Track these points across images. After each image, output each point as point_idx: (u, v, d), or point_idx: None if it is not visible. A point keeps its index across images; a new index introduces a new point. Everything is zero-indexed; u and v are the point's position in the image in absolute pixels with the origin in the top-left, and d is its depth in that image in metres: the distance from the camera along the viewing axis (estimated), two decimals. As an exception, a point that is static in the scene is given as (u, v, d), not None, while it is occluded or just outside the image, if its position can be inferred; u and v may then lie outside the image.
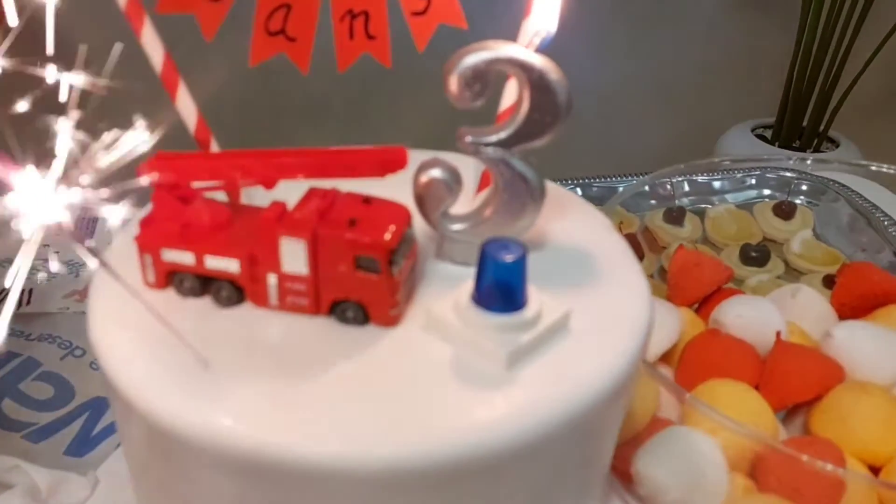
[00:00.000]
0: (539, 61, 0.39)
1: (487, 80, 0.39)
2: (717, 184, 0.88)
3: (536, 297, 0.38)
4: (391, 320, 0.38)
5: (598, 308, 0.41)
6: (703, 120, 1.37)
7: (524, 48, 0.39)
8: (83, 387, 0.64)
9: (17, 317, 0.69)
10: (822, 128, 1.45)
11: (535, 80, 0.39)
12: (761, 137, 1.44)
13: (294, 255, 0.37)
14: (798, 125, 1.41)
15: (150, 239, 0.39)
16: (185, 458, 0.35)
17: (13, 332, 0.68)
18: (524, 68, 0.39)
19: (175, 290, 0.40)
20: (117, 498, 0.53)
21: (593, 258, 0.44)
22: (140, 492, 0.44)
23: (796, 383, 0.55)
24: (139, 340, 0.37)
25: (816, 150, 1.42)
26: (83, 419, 0.62)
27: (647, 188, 0.83)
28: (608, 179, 0.88)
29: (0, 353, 0.64)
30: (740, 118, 1.39)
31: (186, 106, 0.42)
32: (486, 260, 0.37)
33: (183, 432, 0.34)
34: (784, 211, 0.85)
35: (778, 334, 0.58)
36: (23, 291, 0.70)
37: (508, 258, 0.36)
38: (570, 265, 0.44)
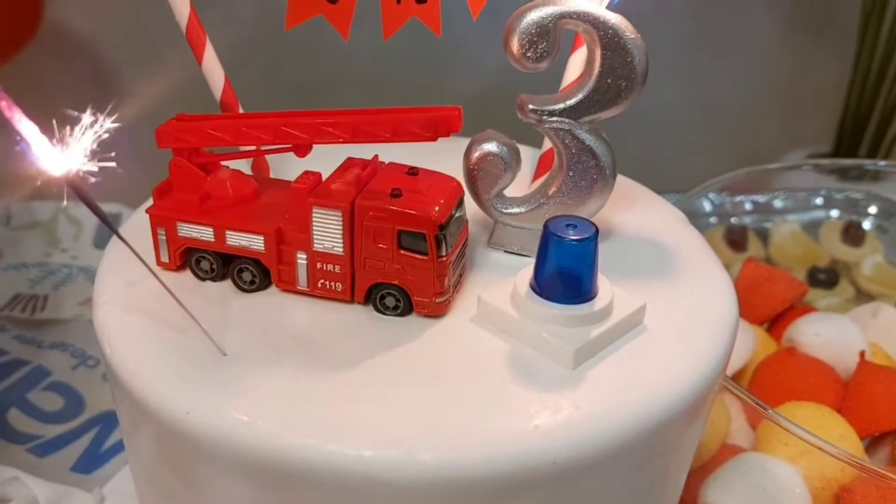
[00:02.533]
0: (613, 18, 0.34)
1: (553, 39, 0.34)
2: (780, 203, 0.82)
3: (607, 286, 0.33)
4: (437, 309, 0.33)
5: (677, 305, 0.35)
6: (754, 148, 1.31)
7: (596, 4, 0.34)
8: (94, 399, 0.59)
9: (29, 323, 0.65)
10: (879, 158, 1.39)
11: (607, 40, 0.34)
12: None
13: (328, 231, 0.32)
14: (854, 155, 1.35)
15: (165, 211, 0.34)
16: (196, 461, 0.30)
17: (23, 339, 0.63)
18: (596, 25, 0.34)
19: (192, 272, 0.35)
20: (124, 516, 0.48)
21: (669, 251, 0.39)
22: (147, 506, 0.39)
23: (884, 409, 0.49)
24: (149, 326, 0.33)
25: (874, 181, 1.36)
26: (93, 433, 0.57)
27: (707, 207, 0.77)
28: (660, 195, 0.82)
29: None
30: (793, 147, 1.33)
31: (213, 68, 0.37)
32: (550, 240, 0.31)
33: (194, 430, 0.29)
34: (852, 236, 0.79)
35: (862, 354, 0.52)
36: (37, 297, 0.66)
37: (576, 238, 0.31)
38: (644, 258, 0.38)
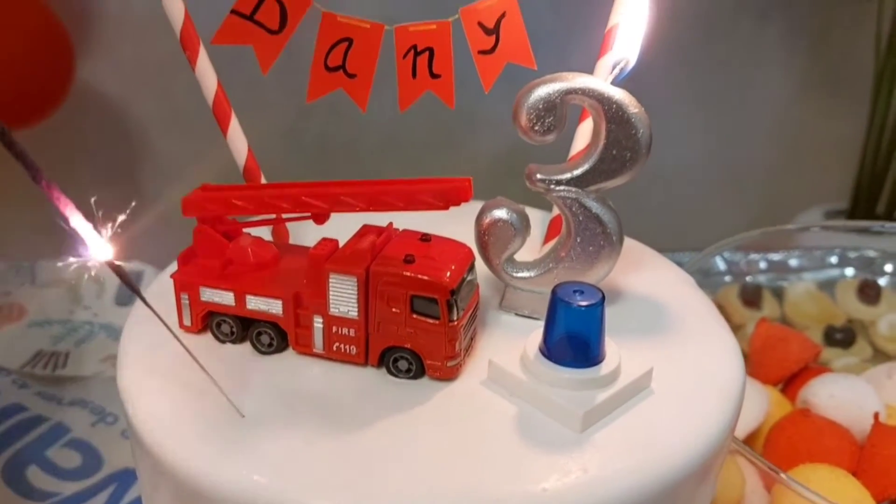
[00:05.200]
0: (618, 93, 0.35)
1: (560, 113, 0.36)
2: (795, 261, 0.83)
3: (615, 350, 0.34)
4: (449, 373, 0.34)
5: (684, 368, 0.36)
6: (771, 204, 1.32)
7: (601, 80, 0.36)
8: (112, 456, 0.60)
9: (50, 380, 0.66)
10: (897, 214, 1.39)
11: (612, 113, 0.35)
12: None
13: (343, 296, 0.34)
14: (872, 211, 1.35)
15: (188, 276, 0.36)
16: (213, 521, 0.31)
17: (44, 396, 0.64)
18: (601, 100, 0.35)
19: (212, 335, 0.36)
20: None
21: (676, 315, 0.40)
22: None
23: (900, 472, 0.49)
24: (170, 389, 0.34)
25: (889, 238, 1.35)
26: (110, 491, 0.58)
27: (721, 265, 0.78)
28: (673, 254, 0.83)
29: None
30: (810, 203, 1.33)
31: (237, 140, 0.39)
32: (558, 306, 0.32)
33: (213, 491, 0.30)
34: (868, 295, 0.79)
35: (876, 416, 0.52)
36: (59, 354, 0.68)
37: (584, 304, 0.32)
38: (651, 321, 0.39)
